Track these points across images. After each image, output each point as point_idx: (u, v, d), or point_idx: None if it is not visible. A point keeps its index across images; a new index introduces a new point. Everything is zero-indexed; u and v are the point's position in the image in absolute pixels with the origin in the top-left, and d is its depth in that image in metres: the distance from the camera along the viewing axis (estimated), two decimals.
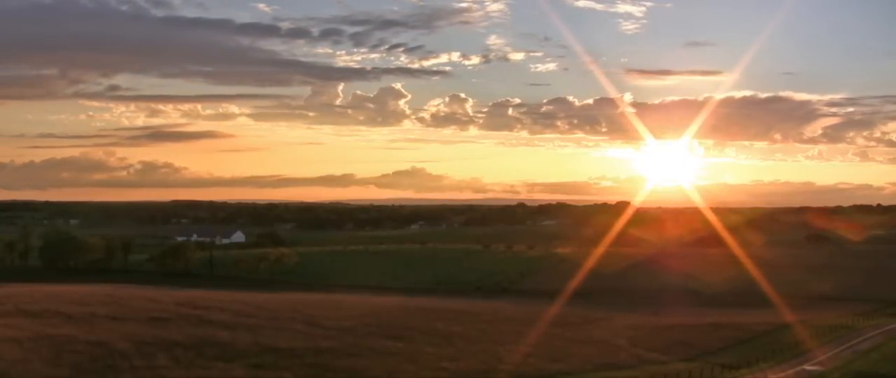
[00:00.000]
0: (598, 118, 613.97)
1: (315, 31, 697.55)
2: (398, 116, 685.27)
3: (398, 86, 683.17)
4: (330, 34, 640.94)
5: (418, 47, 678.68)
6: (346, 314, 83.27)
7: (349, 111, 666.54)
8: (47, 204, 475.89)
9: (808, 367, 65.07)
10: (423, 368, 58.77)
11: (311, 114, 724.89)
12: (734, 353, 71.91)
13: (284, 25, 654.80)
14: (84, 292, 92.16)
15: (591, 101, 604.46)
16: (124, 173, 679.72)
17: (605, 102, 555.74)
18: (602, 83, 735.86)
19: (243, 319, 74.24)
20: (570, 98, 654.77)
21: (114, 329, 64.05)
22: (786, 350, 72.55)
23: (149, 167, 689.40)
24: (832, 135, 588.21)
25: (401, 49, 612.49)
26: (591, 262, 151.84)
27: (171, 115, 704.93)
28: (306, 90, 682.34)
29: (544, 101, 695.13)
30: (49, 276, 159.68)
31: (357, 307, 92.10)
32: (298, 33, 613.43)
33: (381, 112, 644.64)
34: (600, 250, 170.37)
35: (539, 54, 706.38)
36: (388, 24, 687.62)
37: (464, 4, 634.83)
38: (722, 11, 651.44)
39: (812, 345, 76.05)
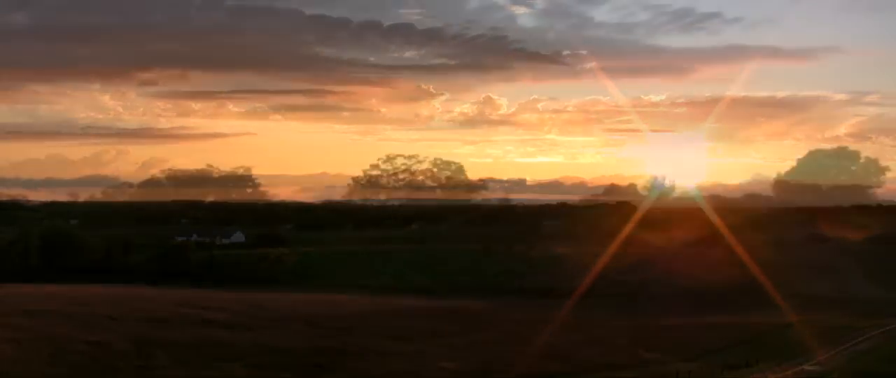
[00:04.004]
0: (628, 117, 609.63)
1: (386, 24, 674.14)
2: (429, 115, 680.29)
3: (430, 87, 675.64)
4: (400, 29, 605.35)
5: (489, 45, 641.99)
6: (346, 314, 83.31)
7: (382, 110, 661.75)
8: (47, 204, 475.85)
9: (807, 367, 65.03)
10: (423, 368, 58.78)
11: (344, 114, 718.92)
12: (734, 353, 71.89)
13: (355, 18, 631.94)
14: (84, 292, 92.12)
15: (623, 100, 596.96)
16: (125, 173, 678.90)
17: (637, 102, 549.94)
18: (638, 84, 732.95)
19: (243, 319, 74.26)
20: (605, 98, 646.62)
21: (114, 329, 64.05)
22: (786, 350, 72.55)
23: (150, 166, 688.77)
24: (857, 135, 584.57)
25: (471, 46, 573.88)
26: (591, 262, 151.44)
27: (196, 114, 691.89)
28: (344, 88, 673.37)
29: (576, 100, 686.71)
30: (49, 276, 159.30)
31: (357, 307, 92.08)
32: (368, 27, 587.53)
33: (414, 112, 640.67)
34: (601, 250, 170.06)
35: (584, 52, 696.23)
36: (463, 24, 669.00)
37: None
38: (770, 9, 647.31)
39: (812, 345, 75.99)
